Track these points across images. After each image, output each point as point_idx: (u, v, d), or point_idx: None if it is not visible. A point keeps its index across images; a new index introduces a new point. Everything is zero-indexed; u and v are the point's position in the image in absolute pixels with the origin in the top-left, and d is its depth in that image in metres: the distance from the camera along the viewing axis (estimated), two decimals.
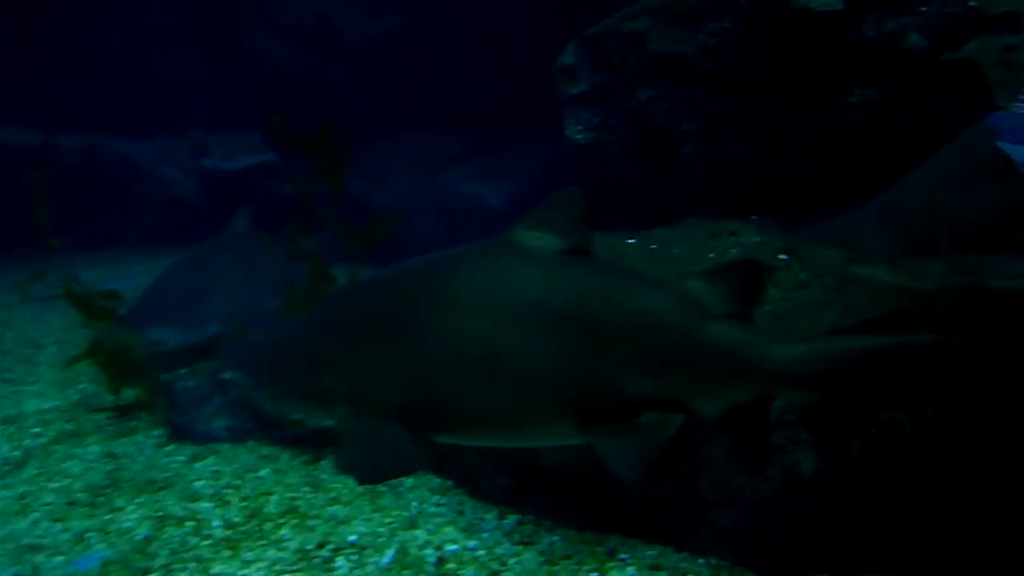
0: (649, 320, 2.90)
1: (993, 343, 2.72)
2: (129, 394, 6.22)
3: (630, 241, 5.03)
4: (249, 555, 4.27)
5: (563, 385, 2.92)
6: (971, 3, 3.94)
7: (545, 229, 3.09)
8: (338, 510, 4.69)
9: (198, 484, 5.06)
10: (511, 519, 4.49)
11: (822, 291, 4.21)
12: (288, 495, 4.87)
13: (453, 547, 4.28)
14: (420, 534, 4.41)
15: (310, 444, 5.40)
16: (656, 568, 3.99)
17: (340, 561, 4.20)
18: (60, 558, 4.37)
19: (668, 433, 2.87)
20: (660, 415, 2.90)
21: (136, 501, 4.89)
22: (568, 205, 3.14)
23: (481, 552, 4.23)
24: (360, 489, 4.92)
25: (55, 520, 4.72)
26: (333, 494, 4.87)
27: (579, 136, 5.40)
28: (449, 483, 4.93)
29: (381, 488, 4.94)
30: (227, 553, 4.30)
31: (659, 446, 2.84)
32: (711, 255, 4.59)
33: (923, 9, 3.98)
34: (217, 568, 4.17)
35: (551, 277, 2.99)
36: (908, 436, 3.53)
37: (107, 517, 4.73)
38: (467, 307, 2.98)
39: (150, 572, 4.18)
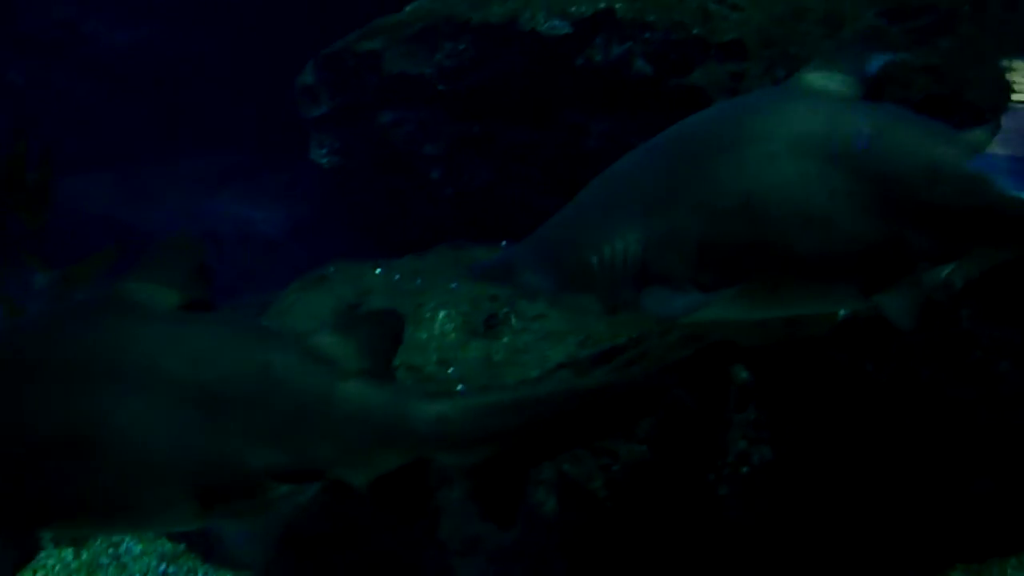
0: (271, 382, 2.57)
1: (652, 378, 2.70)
2: None
3: (376, 271, 4.83)
4: None
5: (180, 462, 2.52)
6: (696, 31, 4.02)
7: (159, 281, 2.72)
8: None
9: None
10: None
11: (561, 321, 4.16)
12: None
13: None
14: None
15: None
16: None
17: None
18: None
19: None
20: (290, 487, 2.59)
21: None
22: (183, 252, 2.84)
23: None
24: (75, 564, 4.38)
25: None
26: None
27: (323, 160, 5.10)
28: (182, 546, 4.50)
29: (103, 560, 4.43)
30: None
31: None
32: (453, 284, 4.45)
33: (647, 36, 4.01)
34: None
35: (164, 337, 2.63)
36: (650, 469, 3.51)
37: None
38: (69, 376, 2.54)
39: None
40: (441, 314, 4.21)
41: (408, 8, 4.75)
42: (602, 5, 4.00)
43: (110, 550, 4.34)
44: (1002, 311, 3.89)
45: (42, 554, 4.37)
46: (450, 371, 3.89)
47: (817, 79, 2.93)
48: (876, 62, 2.98)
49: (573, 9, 4.13)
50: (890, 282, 2.74)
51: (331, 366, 2.63)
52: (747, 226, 2.75)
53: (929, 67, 4.15)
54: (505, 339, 4.00)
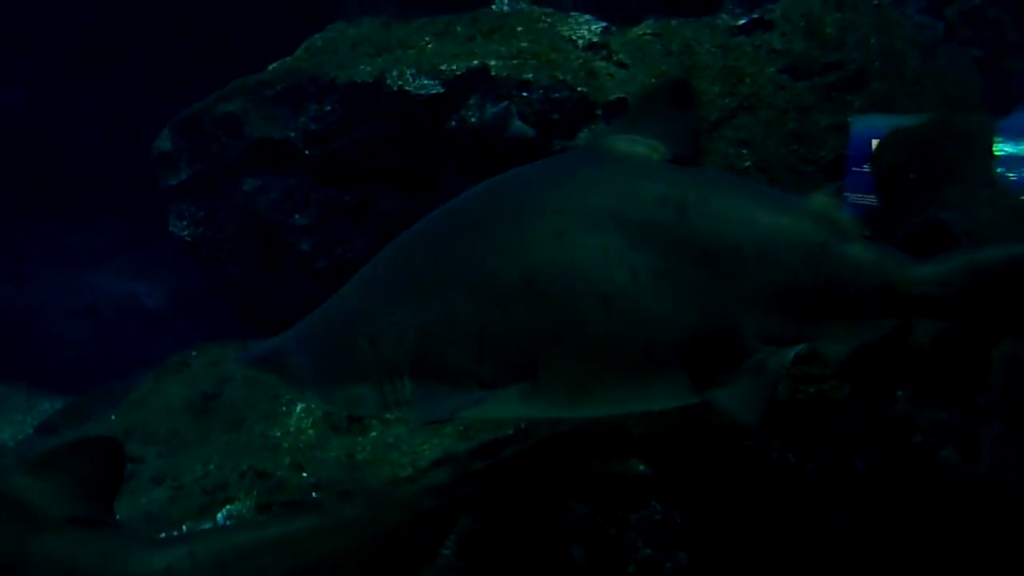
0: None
1: None
2: None
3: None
4: None
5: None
6: (580, 89, 3.64)
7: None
8: None
9: None
10: None
11: None
12: None
13: None
14: None
15: None
16: None
17: None
18: None
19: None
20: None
21: None
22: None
23: None
24: None
25: None
26: None
27: (184, 233, 4.59)
28: None
29: None
30: None
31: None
32: None
33: (525, 95, 3.62)
34: None
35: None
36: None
37: None
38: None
39: None
40: (298, 408, 3.67)
41: (271, 67, 4.33)
42: (476, 63, 3.60)
43: None
44: (943, 390, 3.56)
45: None
46: (304, 475, 3.36)
47: (622, 142, 2.51)
48: (690, 122, 2.59)
49: (444, 67, 3.71)
50: (725, 372, 2.34)
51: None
52: (532, 311, 2.32)
53: (840, 125, 3.86)
54: (373, 434, 3.48)
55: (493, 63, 3.62)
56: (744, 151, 3.71)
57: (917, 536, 3.53)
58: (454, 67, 3.69)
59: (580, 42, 3.78)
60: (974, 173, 4.32)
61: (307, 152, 4.09)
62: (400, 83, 3.76)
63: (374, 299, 2.52)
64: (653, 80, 3.74)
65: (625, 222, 2.30)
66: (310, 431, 3.50)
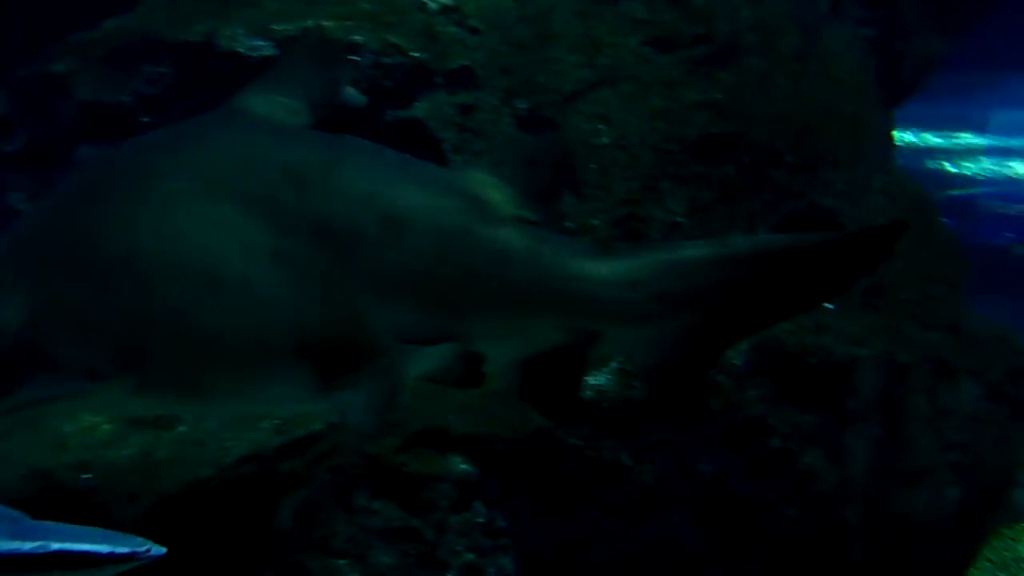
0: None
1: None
2: None
3: None
4: None
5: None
6: (416, 54, 3.34)
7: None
8: None
9: None
10: None
11: None
12: None
13: None
14: None
15: None
16: None
17: None
18: None
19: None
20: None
21: None
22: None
23: None
24: None
25: None
26: None
27: (21, 206, 4.27)
28: None
29: None
30: None
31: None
32: None
33: (356, 59, 3.33)
34: None
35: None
36: None
37: None
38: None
39: None
40: None
41: (105, 23, 4.00)
42: (309, 22, 3.30)
43: None
44: (804, 389, 3.31)
45: None
46: (86, 476, 3.04)
47: (260, 102, 2.22)
48: (339, 84, 2.31)
49: (277, 27, 3.38)
50: (351, 371, 2.03)
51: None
52: (134, 291, 2.01)
53: (708, 103, 3.60)
54: (182, 428, 3.16)
55: (328, 23, 3.33)
56: (601, 127, 3.43)
57: (777, 547, 3.30)
58: (287, 27, 3.39)
59: (432, 5, 3.50)
60: (864, 160, 4.11)
61: (143, 119, 3.78)
62: (231, 44, 3.45)
63: None
64: (504, 47, 3.48)
65: (243, 194, 1.97)
66: (105, 426, 3.17)
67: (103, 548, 2.05)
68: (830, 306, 3.55)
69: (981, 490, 3.93)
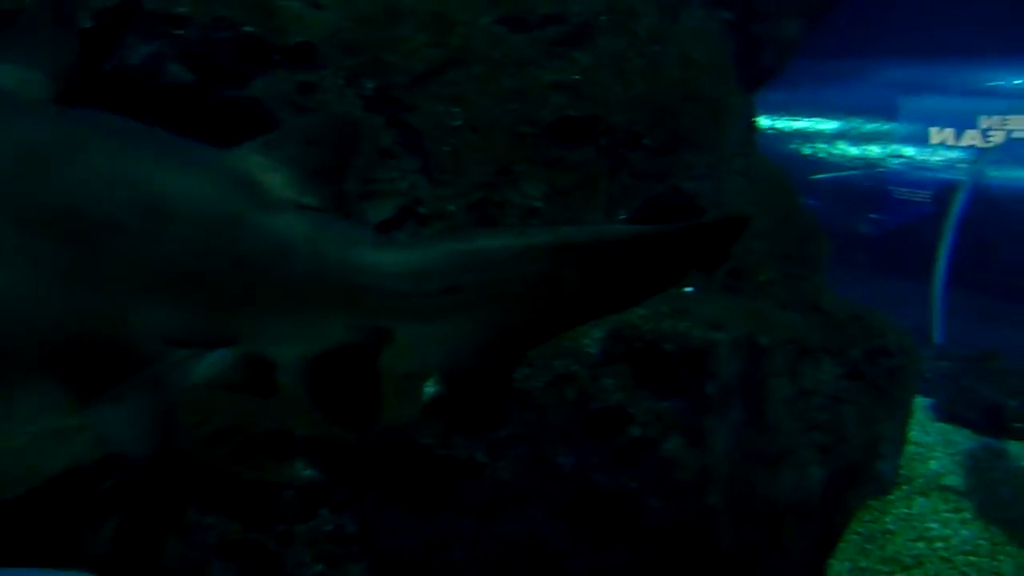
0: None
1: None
2: None
3: None
4: None
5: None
6: (249, 29, 3.12)
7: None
8: None
9: None
10: None
11: None
12: None
13: None
14: None
15: None
16: None
17: None
18: None
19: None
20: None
21: None
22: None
23: None
24: None
25: None
26: None
27: None
28: None
29: None
30: None
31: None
32: None
33: (180, 33, 3.08)
34: None
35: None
36: None
37: None
38: None
39: None
40: None
41: None
42: None
43: None
44: (662, 375, 3.24)
45: None
46: None
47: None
48: (65, 51, 1.91)
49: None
50: (112, 383, 1.80)
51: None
52: None
53: (564, 84, 3.50)
54: None
55: None
56: (455, 109, 3.28)
57: (642, 537, 3.24)
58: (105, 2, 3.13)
59: None
60: (725, 142, 4.11)
61: None
62: None
63: None
64: (349, 23, 3.28)
65: None
66: None
67: None
68: (689, 289, 3.52)
69: (845, 467, 3.99)
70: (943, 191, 9.53)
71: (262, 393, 1.84)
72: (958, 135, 10.86)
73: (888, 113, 11.35)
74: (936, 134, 10.75)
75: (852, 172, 11.03)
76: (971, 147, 10.54)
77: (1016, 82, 10.43)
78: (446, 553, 2.87)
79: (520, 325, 1.86)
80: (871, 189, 10.81)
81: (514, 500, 2.85)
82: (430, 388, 2.71)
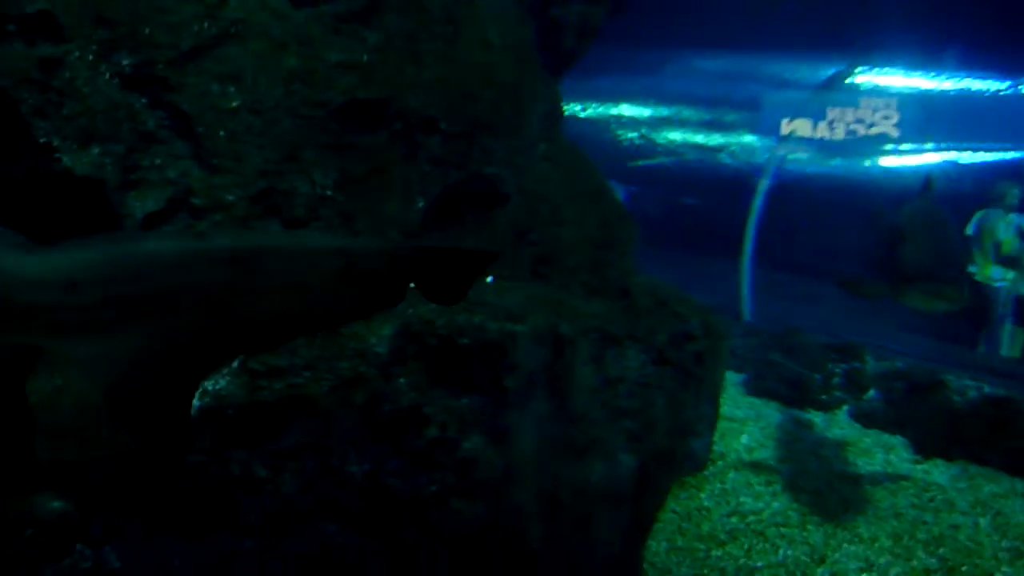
0: None
1: None
2: None
3: None
4: None
5: None
6: None
7: None
8: None
9: None
10: None
11: None
12: None
13: None
14: None
15: None
16: None
17: None
18: None
19: None
20: None
21: None
22: None
23: None
24: None
25: None
26: None
27: None
28: None
29: None
30: None
31: None
32: None
33: None
34: None
35: None
36: None
37: None
38: None
39: None
40: None
41: None
42: None
43: None
44: (459, 371, 3.11)
45: None
46: None
47: None
48: None
49: None
50: None
51: None
52: None
53: (352, 64, 3.29)
54: None
55: None
56: (231, 88, 2.99)
57: (448, 541, 3.10)
58: None
59: None
60: (527, 128, 4.03)
61: None
62: None
63: None
64: None
65: None
66: None
67: None
68: (488, 279, 3.40)
69: (655, 453, 4.01)
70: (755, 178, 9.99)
71: None
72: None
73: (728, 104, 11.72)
74: (786, 125, 11.11)
75: (669, 159, 11.38)
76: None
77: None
78: None
79: (195, 342, 1.64)
80: (688, 174, 11.20)
81: (301, 515, 2.64)
82: (196, 400, 2.45)
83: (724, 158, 11.30)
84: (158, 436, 1.66)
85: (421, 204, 3.33)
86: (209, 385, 2.44)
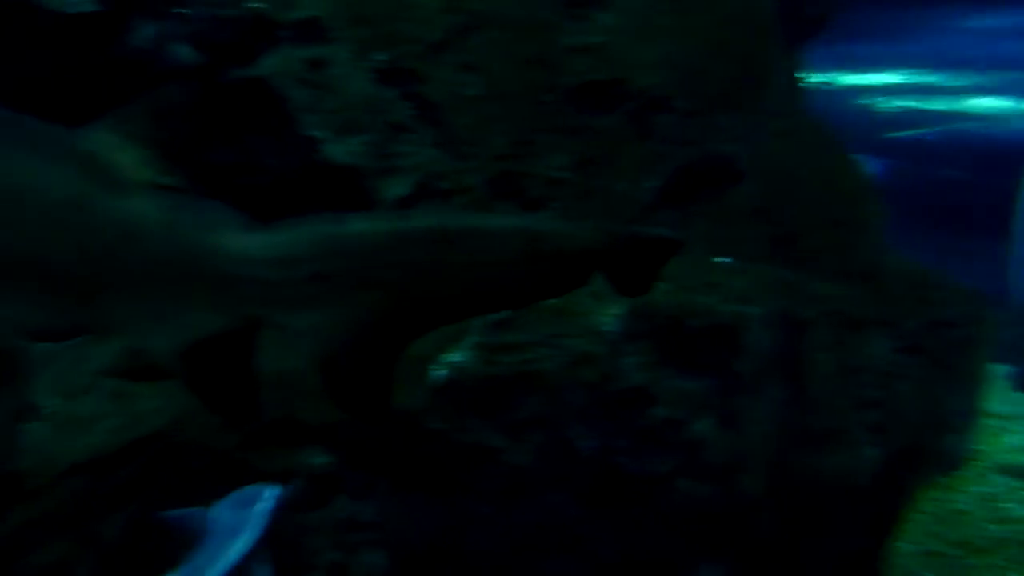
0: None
1: None
2: None
3: None
4: None
5: None
6: (253, 4, 3.02)
7: None
8: None
9: None
10: None
11: (104, 400, 3.10)
12: None
13: None
14: None
15: None
16: None
17: None
18: None
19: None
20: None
21: None
22: None
23: None
24: None
25: None
26: None
27: None
28: None
29: None
30: None
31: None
32: None
33: (185, 11, 3.01)
34: None
35: None
36: None
37: None
38: None
39: None
40: None
41: None
42: None
43: None
44: (687, 353, 3.08)
45: None
46: None
47: None
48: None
49: None
50: None
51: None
52: None
53: (585, 47, 3.32)
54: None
55: None
56: (472, 78, 3.16)
57: (673, 521, 3.10)
58: None
59: None
60: (764, 102, 3.86)
61: None
62: (58, 4, 3.12)
63: None
64: None
65: None
66: None
67: None
68: (727, 260, 3.33)
69: (901, 446, 3.77)
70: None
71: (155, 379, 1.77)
72: None
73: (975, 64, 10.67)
74: None
75: (932, 129, 10.45)
76: None
77: None
78: (464, 540, 2.79)
79: (397, 315, 1.75)
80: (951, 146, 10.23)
81: (534, 486, 2.76)
82: (439, 372, 2.63)
83: (998, 126, 10.21)
84: (363, 402, 1.83)
85: (654, 183, 3.33)
86: (449, 358, 2.63)
